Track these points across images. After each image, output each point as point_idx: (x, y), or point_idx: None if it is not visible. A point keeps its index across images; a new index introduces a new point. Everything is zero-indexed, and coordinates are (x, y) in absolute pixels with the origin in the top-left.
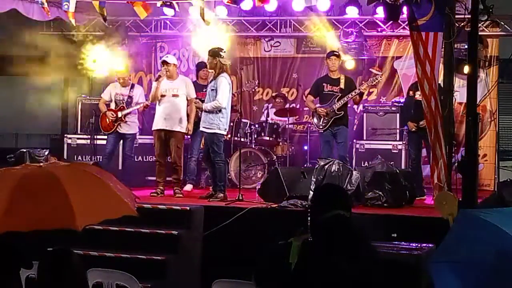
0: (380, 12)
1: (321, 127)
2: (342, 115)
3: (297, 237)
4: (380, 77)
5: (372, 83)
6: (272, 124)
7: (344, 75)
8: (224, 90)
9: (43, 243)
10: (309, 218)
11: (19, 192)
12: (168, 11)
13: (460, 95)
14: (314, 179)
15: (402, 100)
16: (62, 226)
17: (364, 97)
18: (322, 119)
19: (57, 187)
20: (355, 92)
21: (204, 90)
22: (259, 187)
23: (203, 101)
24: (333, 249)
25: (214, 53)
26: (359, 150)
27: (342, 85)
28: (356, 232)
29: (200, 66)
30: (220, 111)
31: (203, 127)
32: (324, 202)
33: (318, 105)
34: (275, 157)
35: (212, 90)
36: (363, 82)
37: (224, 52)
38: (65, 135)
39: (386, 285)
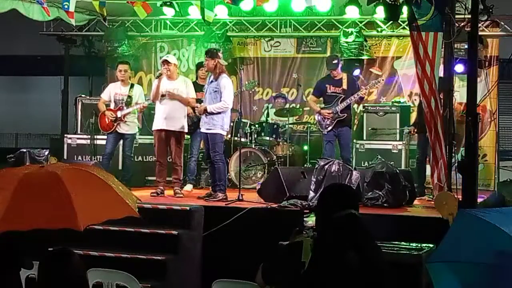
0: (380, 12)
1: (324, 128)
2: (346, 116)
3: (294, 236)
4: (383, 79)
5: (373, 86)
6: (272, 124)
7: (346, 75)
8: (230, 91)
9: (43, 243)
10: (305, 218)
11: (20, 191)
12: (168, 11)
13: (460, 95)
14: (314, 179)
15: (402, 100)
16: (63, 226)
17: (365, 97)
18: (325, 120)
19: (59, 187)
20: (357, 95)
21: (203, 90)
22: (259, 187)
23: (201, 101)
24: (346, 248)
25: (212, 54)
26: (359, 150)
27: (345, 86)
28: (368, 232)
29: (200, 65)
30: (223, 111)
31: (205, 128)
32: (334, 201)
33: (322, 106)
34: (275, 157)
35: (215, 91)
36: (361, 87)
37: (222, 52)
38: (65, 135)
39: (387, 285)
